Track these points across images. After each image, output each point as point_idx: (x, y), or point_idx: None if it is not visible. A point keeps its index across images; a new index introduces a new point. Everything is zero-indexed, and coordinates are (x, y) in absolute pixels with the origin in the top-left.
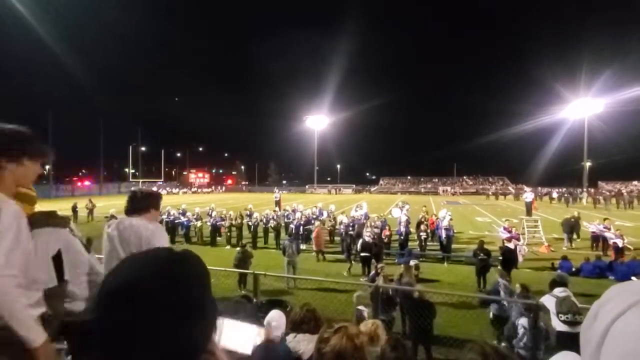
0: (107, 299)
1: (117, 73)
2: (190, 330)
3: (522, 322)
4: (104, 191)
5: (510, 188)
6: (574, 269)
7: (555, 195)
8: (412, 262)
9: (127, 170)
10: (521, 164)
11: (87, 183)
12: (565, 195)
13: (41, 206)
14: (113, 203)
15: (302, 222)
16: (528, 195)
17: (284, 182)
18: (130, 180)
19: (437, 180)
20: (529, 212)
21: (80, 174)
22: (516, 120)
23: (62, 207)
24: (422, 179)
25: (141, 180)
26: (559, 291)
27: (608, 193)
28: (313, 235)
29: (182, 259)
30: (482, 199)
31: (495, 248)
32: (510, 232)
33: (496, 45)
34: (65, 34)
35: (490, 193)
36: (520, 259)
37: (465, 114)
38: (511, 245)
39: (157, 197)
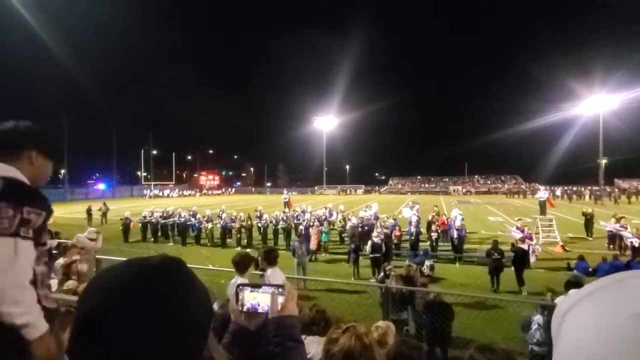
0: (78, 324)
1: (129, 78)
2: (176, 342)
3: (537, 318)
4: (117, 194)
5: (523, 187)
6: (590, 269)
7: (558, 192)
8: (428, 262)
9: (139, 173)
10: (534, 162)
11: (101, 186)
12: (568, 192)
13: (57, 210)
14: (126, 206)
15: (311, 224)
16: (542, 194)
17: (297, 183)
18: (143, 183)
19: (447, 179)
20: (542, 211)
21: (94, 177)
22: (529, 117)
23: (77, 210)
24: (432, 179)
25: (153, 183)
26: (574, 292)
27: (613, 190)
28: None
29: (162, 269)
30: (494, 198)
31: (507, 248)
32: (523, 231)
33: (508, 41)
34: (78, 40)
35: (507, 192)
36: (533, 259)
37: (476, 112)
38: (524, 246)
39: None
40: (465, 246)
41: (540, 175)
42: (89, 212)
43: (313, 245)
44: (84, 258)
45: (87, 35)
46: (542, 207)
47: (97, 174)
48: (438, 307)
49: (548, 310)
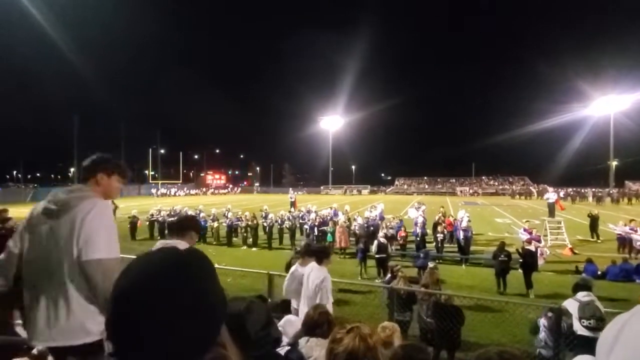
0: (116, 299)
1: (138, 79)
2: (199, 326)
3: (544, 321)
4: (125, 193)
5: (531, 188)
6: (599, 272)
7: (562, 194)
8: (430, 264)
9: (146, 172)
10: (543, 164)
11: None
12: (572, 193)
13: None
14: (134, 204)
15: (316, 223)
16: (550, 195)
17: (301, 183)
18: (150, 182)
19: (454, 180)
20: (551, 213)
21: None
22: (538, 117)
23: None
24: (438, 180)
25: (160, 182)
26: (582, 295)
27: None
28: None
29: (189, 257)
30: (502, 200)
31: (514, 250)
32: (530, 233)
33: (517, 40)
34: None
35: (515, 194)
36: (541, 261)
37: (484, 112)
38: (531, 248)
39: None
40: (472, 248)
41: (549, 177)
42: None
43: (342, 244)
44: None
45: (96, 36)
46: (551, 209)
47: None
48: (448, 310)
49: (555, 313)
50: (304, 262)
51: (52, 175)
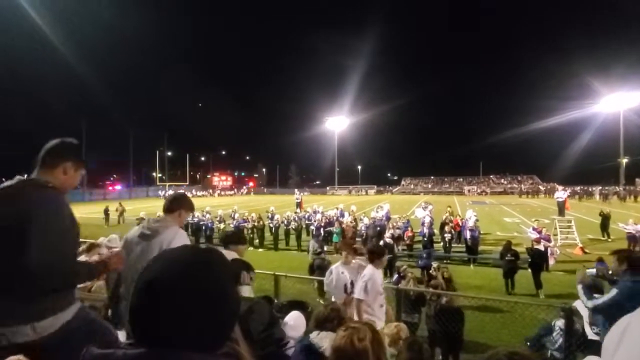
0: (139, 288)
1: (145, 82)
2: (214, 319)
3: (560, 323)
4: (133, 195)
5: (540, 187)
6: (610, 272)
7: (568, 192)
8: (434, 264)
9: (154, 174)
10: (552, 162)
11: (117, 187)
12: (579, 192)
13: (77, 209)
14: (142, 206)
15: (322, 224)
16: (560, 194)
17: (304, 184)
18: (158, 184)
19: (462, 179)
20: (561, 212)
21: (111, 178)
22: (547, 115)
23: (95, 210)
24: (445, 179)
25: (167, 184)
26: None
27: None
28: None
29: (210, 254)
30: (510, 199)
31: (523, 250)
32: (540, 232)
33: (524, 37)
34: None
35: (523, 192)
36: (552, 261)
37: (491, 110)
38: (541, 247)
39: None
40: (481, 247)
41: (558, 175)
42: (106, 212)
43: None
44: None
45: (102, 40)
46: (561, 207)
47: (114, 176)
48: (447, 311)
49: (567, 313)
50: (347, 260)
51: None
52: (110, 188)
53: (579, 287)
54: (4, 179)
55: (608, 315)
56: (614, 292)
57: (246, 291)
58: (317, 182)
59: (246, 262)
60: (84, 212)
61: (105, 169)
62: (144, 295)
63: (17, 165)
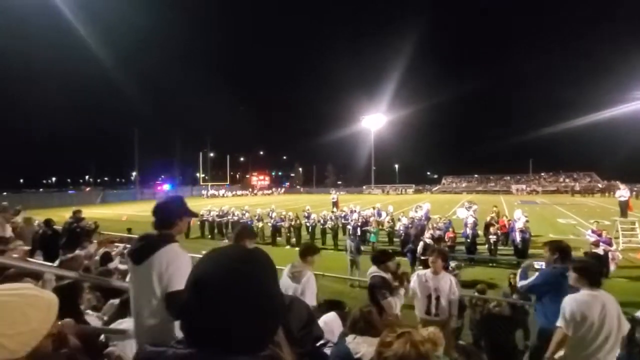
0: (187, 288)
1: (189, 89)
2: (261, 322)
3: None
4: (179, 194)
5: (600, 185)
6: None
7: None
8: (453, 264)
9: (198, 175)
10: (613, 158)
11: (166, 187)
12: (635, 189)
13: (130, 207)
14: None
15: (359, 224)
16: (623, 193)
17: (340, 183)
18: (201, 184)
19: (509, 177)
20: (623, 213)
21: (160, 179)
22: (605, 105)
23: (146, 208)
24: (491, 177)
25: (210, 184)
26: None
27: None
28: None
29: (258, 256)
30: (564, 198)
31: (580, 254)
32: (600, 235)
33: (576, 20)
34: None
35: (578, 191)
36: (613, 266)
37: (542, 102)
38: (600, 251)
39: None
40: (531, 251)
41: (617, 172)
42: None
43: None
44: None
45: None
46: (623, 208)
47: (162, 176)
48: (496, 319)
49: (632, 324)
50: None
51: (117, 179)
52: (159, 188)
53: (519, 270)
54: (69, 182)
55: (524, 297)
56: (535, 276)
57: None
58: (353, 181)
59: None
60: (137, 210)
61: (154, 170)
62: (192, 294)
63: (86, 170)
